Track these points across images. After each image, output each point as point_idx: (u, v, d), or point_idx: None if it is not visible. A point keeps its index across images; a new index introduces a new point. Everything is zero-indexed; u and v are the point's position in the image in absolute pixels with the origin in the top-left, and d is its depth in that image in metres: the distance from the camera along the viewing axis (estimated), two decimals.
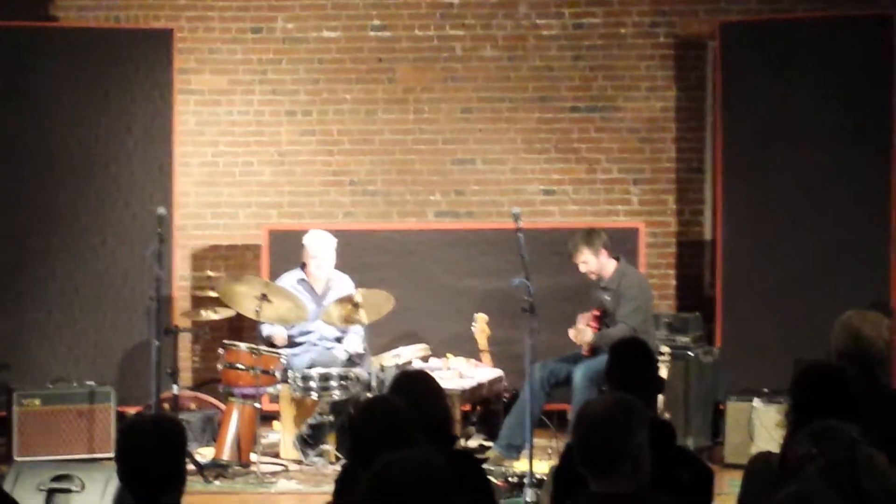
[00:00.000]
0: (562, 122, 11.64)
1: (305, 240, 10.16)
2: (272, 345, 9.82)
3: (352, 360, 9.86)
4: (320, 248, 10.10)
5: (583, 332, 9.56)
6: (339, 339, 10.16)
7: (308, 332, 10.07)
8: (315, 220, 11.35)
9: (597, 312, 9.68)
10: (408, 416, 4.95)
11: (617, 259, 9.73)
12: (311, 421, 9.60)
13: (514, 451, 9.26)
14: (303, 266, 10.19)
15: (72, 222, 10.75)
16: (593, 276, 9.72)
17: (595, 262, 9.65)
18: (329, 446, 9.57)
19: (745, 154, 10.63)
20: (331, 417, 9.51)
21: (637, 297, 9.59)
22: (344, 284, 10.17)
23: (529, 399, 8.80)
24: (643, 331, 9.31)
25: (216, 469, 9.23)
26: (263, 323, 9.72)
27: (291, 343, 10.03)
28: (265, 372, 9.41)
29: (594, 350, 9.56)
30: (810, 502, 3.97)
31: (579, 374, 9.27)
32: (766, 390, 9.57)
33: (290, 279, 10.14)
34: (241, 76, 11.76)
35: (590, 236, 9.67)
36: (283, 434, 9.90)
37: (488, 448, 9.59)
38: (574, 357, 9.62)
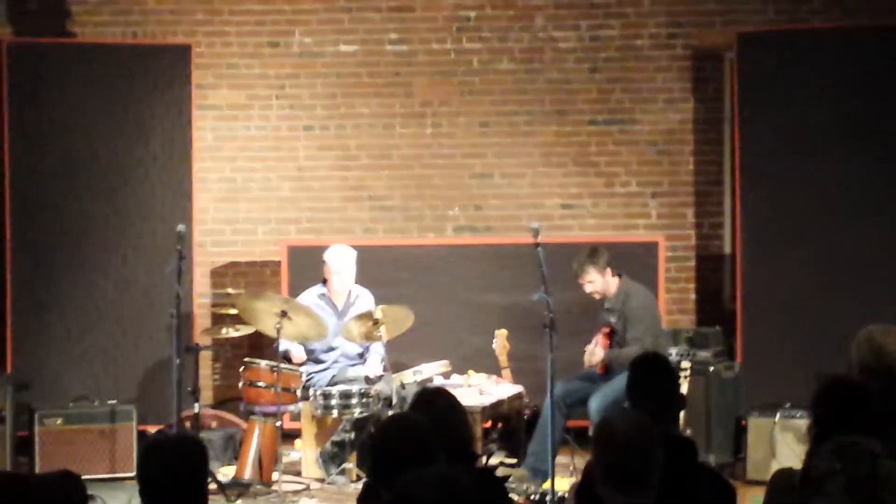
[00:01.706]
0: (580, 135, 11.64)
1: (326, 255, 10.14)
2: (289, 360, 9.82)
3: (368, 380, 9.82)
4: (342, 263, 10.09)
5: (593, 353, 9.54)
6: (361, 356, 10.15)
7: (332, 349, 10.05)
8: (334, 235, 11.34)
9: (606, 330, 9.67)
10: (430, 433, 4.94)
11: (619, 276, 9.71)
12: (334, 438, 9.60)
13: (540, 475, 9.20)
14: (324, 282, 10.18)
15: (91, 239, 10.75)
16: (598, 296, 9.71)
17: (601, 282, 9.64)
18: (350, 464, 9.56)
19: (763, 166, 10.59)
20: (352, 435, 9.50)
21: (644, 317, 9.58)
22: (365, 299, 10.17)
23: (550, 419, 8.79)
24: (656, 347, 9.28)
25: (238, 488, 9.23)
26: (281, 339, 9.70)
27: (315, 359, 10.02)
28: (286, 390, 9.41)
29: (608, 368, 9.55)
30: None
31: (594, 404, 9.22)
32: (787, 405, 9.55)
33: (311, 295, 10.14)
34: (258, 91, 11.77)
35: (594, 256, 9.65)
36: (304, 452, 9.90)
37: (510, 465, 9.57)
38: (590, 376, 9.60)
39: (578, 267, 9.65)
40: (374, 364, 9.90)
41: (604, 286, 9.64)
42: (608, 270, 9.62)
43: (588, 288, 9.67)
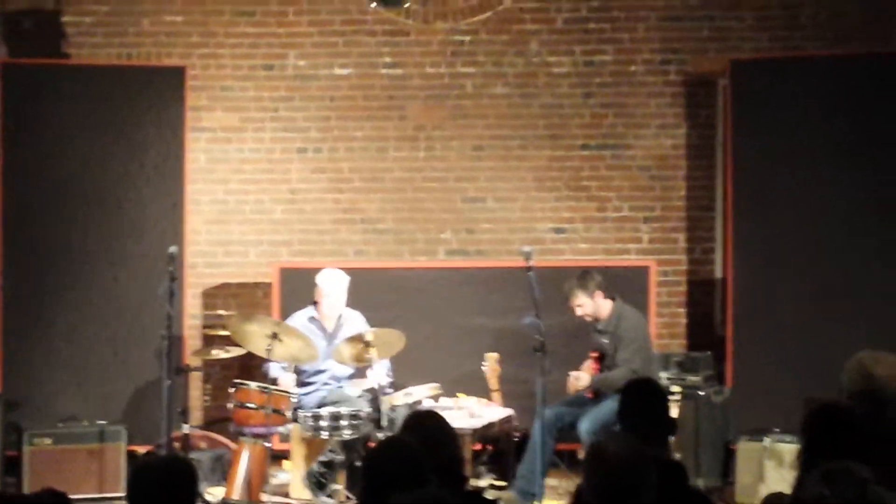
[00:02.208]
0: (572, 159, 11.66)
1: (318, 279, 10.15)
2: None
3: (373, 391, 9.76)
4: (333, 287, 10.10)
5: (580, 378, 9.53)
6: (351, 377, 10.15)
7: (321, 371, 10.05)
8: (326, 258, 11.35)
9: (594, 355, 9.68)
10: (421, 456, 4.95)
11: (612, 299, 9.71)
12: (322, 459, 9.59)
13: (528, 497, 9.21)
14: (314, 304, 10.18)
15: (83, 260, 10.76)
16: (589, 319, 9.71)
17: (591, 305, 9.64)
18: (339, 486, 9.55)
19: (756, 192, 10.61)
20: (341, 456, 9.49)
21: (636, 338, 9.58)
22: (356, 322, 10.17)
23: (540, 442, 8.79)
24: (646, 371, 9.29)
25: None
26: (270, 363, 9.68)
27: (303, 382, 10.02)
28: (276, 411, 9.38)
29: (597, 393, 9.56)
30: None
31: (584, 427, 9.23)
32: (777, 430, 9.56)
33: (300, 318, 10.13)
34: (252, 113, 11.79)
35: (584, 279, 9.65)
36: (293, 473, 9.88)
37: (499, 488, 9.56)
38: (580, 401, 9.60)
39: (568, 290, 9.67)
40: (380, 374, 9.81)
41: (594, 309, 9.64)
42: (598, 294, 9.62)
43: (578, 311, 9.68)
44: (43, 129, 10.75)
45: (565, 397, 9.67)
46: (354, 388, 9.99)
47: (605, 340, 9.62)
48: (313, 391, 9.96)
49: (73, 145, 10.80)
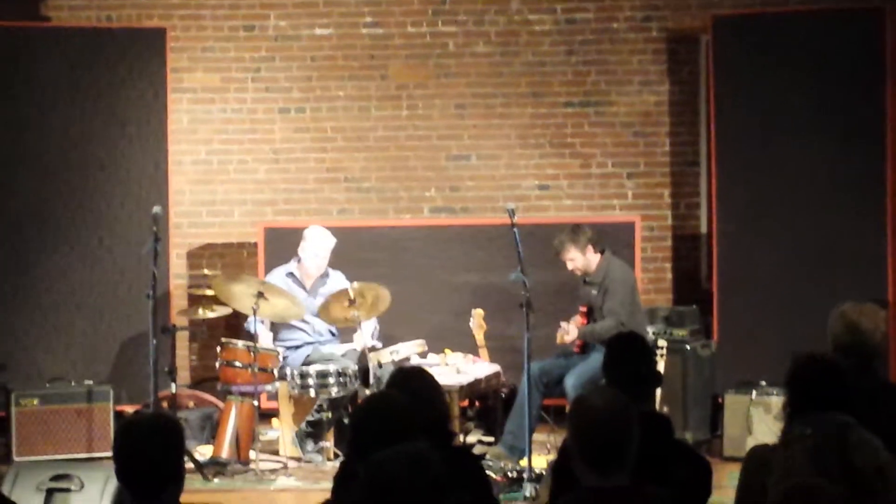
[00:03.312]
0: (555, 117, 11.65)
1: (309, 234, 10.14)
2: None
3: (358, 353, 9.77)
4: (322, 247, 10.11)
5: (567, 330, 9.55)
6: (332, 334, 10.17)
7: (304, 322, 10.07)
8: (310, 217, 11.34)
9: (583, 309, 9.71)
10: (408, 411, 4.96)
11: (602, 252, 9.74)
12: (310, 418, 9.62)
13: (516, 453, 9.25)
14: (297, 260, 10.18)
15: (67, 222, 10.73)
16: (579, 273, 9.74)
17: (582, 259, 9.66)
18: (328, 443, 9.59)
19: (739, 147, 10.62)
20: (329, 414, 9.52)
21: (623, 290, 9.60)
22: (336, 281, 10.18)
23: (527, 398, 8.82)
24: (632, 323, 9.33)
25: (215, 467, 9.26)
26: (249, 318, 9.68)
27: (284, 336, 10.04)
28: (262, 370, 9.42)
29: (584, 346, 9.59)
30: (814, 493, 3.99)
31: (570, 382, 9.27)
32: (763, 383, 9.61)
33: (279, 273, 10.17)
34: (234, 74, 11.75)
35: (575, 234, 9.66)
36: (281, 431, 9.92)
37: (487, 443, 9.60)
38: (567, 355, 9.64)
39: (559, 244, 9.67)
40: (366, 334, 9.83)
41: (584, 264, 9.66)
42: (589, 248, 9.64)
43: (569, 265, 9.69)
44: (23, 92, 10.69)
45: (552, 352, 9.71)
46: (339, 348, 10.02)
47: (593, 292, 9.65)
48: (297, 348, 9.98)
49: (54, 109, 10.75)
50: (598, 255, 9.69)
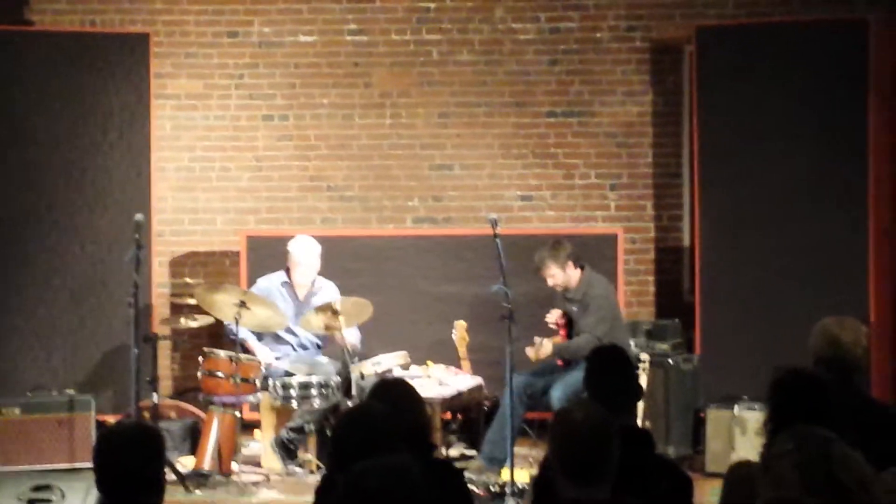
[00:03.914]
0: (539, 126, 11.65)
1: (291, 246, 10.12)
2: (247, 350, 9.80)
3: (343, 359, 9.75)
4: (306, 255, 10.09)
5: (542, 345, 9.53)
6: (319, 346, 10.15)
7: (293, 335, 10.04)
8: (293, 226, 11.33)
9: (563, 321, 9.70)
10: (390, 423, 4.94)
11: (582, 268, 9.73)
12: (290, 425, 9.59)
13: (496, 463, 9.26)
14: (287, 271, 10.16)
15: (49, 228, 10.69)
16: (560, 289, 9.73)
17: (562, 276, 9.66)
18: (310, 455, 9.56)
19: (722, 159, 10.61)
20: (311, 425, 9.50)
21: (602, 306, 9.60)
22: (329, 291, 10.15)
23: (510, 410, 8.80)
24: (612, 338, 9.30)
25: (197, 479, 9.22)
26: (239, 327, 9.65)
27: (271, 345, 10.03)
28: (245, 380, 9.39)
29: (567, 360, 9.58)
30: None
31: (556, 395, 9.25)
32: (746, 398, 9.59)
33: (274, 281, 10.13)
34: (217, 80, 11.74)
35: (555, 250, 9.66)
36: (264, 443, 9.89)
37: (469, 457, 9.58)
38: (550, 368, 9.63)
39: (539, 261, 9.67)
40: (351, 332, 9.81)
41: (565, 280, 9.66)
42: (569, 264, 9.64)
43: (550, 282, 9.70)
44: (5, 96, 10.66)
45: (535, 365, 9.70)
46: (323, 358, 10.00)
47: (573, 308, 9.65)
48: (281, 357, 9.96)
49: (37, 113, 10.71)
50: (579, 271, 9.69)
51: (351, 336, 9.77)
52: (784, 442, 5.04)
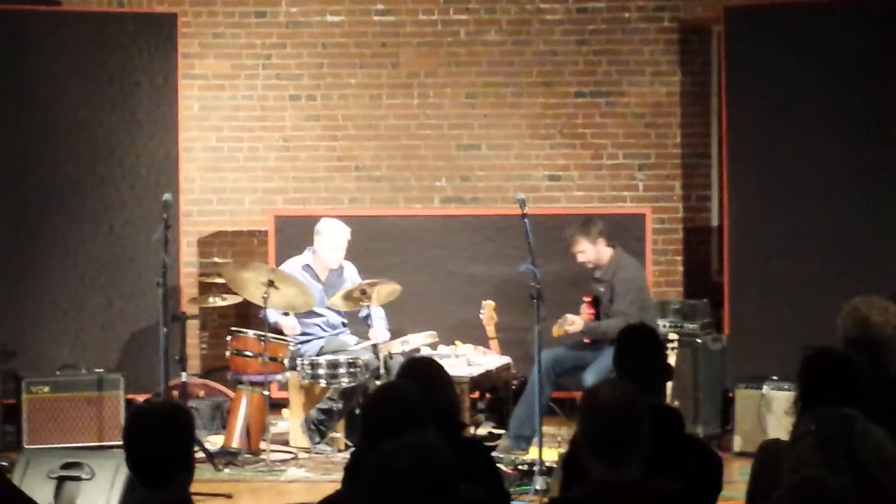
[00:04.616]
0: (567, 107, 11.63)
1: (323, 227, 10.08)
2: (278, 332, 9.80)
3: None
4: (339, 238, 10.05)
5: (574, 322, 9.50)
6: (344, 325, 10.15)
7: (318, 315, 10.04)
8: (321, 205, 11.36)
9: (588, 299, 9.67)
10: (419, 402, 4.95)
11: (613, 247, 9.71)
12: (321, 406, 9.62)
13: (523, 441, 9.27)
14: (312, 251, 10.15)
15: (78, 208, 10.72)
16: (590, 265, 9.71)
17: (593, 252, 9.64)
18: (338, 434, 9.58)
19: (751, 139, 10.60)
20: (339, 404, 9.53)
21: (631, 289, 9.57)
22: (350, 273, 10.16)
23: (538, 387, 8.80)
24: (642, 321, 9.26)
25: (226, 457, 9.26)
26: (268, 310, 9.67)
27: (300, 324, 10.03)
28: (273, 359, 9.42)
29: (594, 339, 9.56)
30: (820, 486, 3.98)
31: (589, 378, 9.20)
32: (775, 377, 9.57)
33: (295, 265, 10.13)
34: (244, 60, 11.74)
35: (586, 226, 9.64)
36: (292, 422, 9.92)
37: (498, 436, 9.59)
38: (579, 346, 9.62)
39: (570, 237, 9.66)
40: (381, 329, 9.84)
41: (595, 256, 9.64)
42: (601, 241, 9.62)
43: (580, 258, 9.68)
44: (34, 77, 10.68)
45: (562, 343, 9.69)
46: (351, 339, 10.00)
47: (601, 289, 9.63)
48: (308, 340, 9.96)
49: (65, 93, 10.74)
50: (610, 249, 9.66)
51: (381, 331, 9.78)
52: (807, 422, 5.06)
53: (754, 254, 10.53)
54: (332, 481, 8.17)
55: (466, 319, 10.46)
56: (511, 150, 11.67)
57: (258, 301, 9.48)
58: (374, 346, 9.58)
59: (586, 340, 9.61)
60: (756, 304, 10.46)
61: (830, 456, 4.91)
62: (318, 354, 9.71)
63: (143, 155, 10.89)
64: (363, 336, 9.86)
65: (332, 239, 10.05)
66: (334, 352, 9.70)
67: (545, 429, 8.80)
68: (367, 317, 9.88)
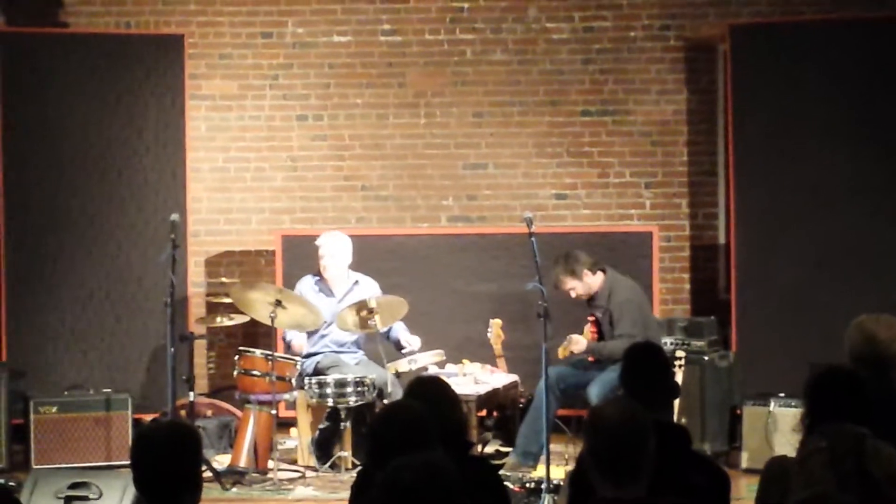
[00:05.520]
0: (573, 125, 11.65)
1: (320, 240, 10.12)
2: (291, 350, 9.83)
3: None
4: (329, 248, 10.05)
5: (579, 341, 9.49)
6: (356, 343, 10.13)
7: (325, 335, 10.03)
8: (328, 225, 11.36)
9: (592, 318, 9.66)
10: (427, 420, 4.96)
11: (603, 271, 9.66)
12: (322, 426, 9.61)
13: (530, 458, 9.26)
14: (319, 272, 10.17)
15: (85, 228, 10.75)
16: (584, 298, 9.68)
17: (582, 286, 9.60)
18: (345, 453, 9.58)
19: (757, 157, 10.62)
20: (346, 423, 9.52)
21: (629, 310, 9.52)
22: (369, 289, 10.11)
23: (543, 402, 8.80)
24: (645, 338, 9.26)
25: (233, 476, 9.25)
26: (286, 332, 9.69)
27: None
28: (280, 378, 9.42)
29: (598, 357, 9.55)
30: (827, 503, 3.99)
31: (594, 392, 9.20)
32: (782, 394, 9.56)
33: (308, 281, 10.13)
34: (251, 81, 11.78)
35: (567, 264, 9.56)
36: (299, 440, 9.92)
37: (505, 454, 9.59)
38: (583, 363, 9.61)
39: (555, 279, 9.56)
40: (410, 337, 9.87)
41: (586, 289, 9.59)
42: (586, 273, 9.55)
43: (572, 294, 9.62)
44: (41, 98, 10.71)
45: (567, 360, 9.69)
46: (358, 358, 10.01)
47: (598, 314, 9.62)
48: (314, 355, 9.96)
49: (73, 114, 10.78)
50: (600, 275, 9.61)
51: (412, 339, 9.81)
52: (817, 439, 5.05)
53: (761, 271, 10.53)
54: (340, 500, 8.18)
55: (474, 338, 10.46)
56: (518, 169, 11.68)
57: (265, 321, 9.48)
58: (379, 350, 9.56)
59: (591, 359, 9.60)
60: (763, 322, 10.45)
61: (842, 473, 4.91)
62: (314, 371, 9.72)
63: (151, 175, 10.92)
64: (372, 356, 9.85)
65: (325, 248, 10.03)
66: (330, 368, 9.69)
67: (552, 447, 8.80)
68: (389, 330, 9.89)
